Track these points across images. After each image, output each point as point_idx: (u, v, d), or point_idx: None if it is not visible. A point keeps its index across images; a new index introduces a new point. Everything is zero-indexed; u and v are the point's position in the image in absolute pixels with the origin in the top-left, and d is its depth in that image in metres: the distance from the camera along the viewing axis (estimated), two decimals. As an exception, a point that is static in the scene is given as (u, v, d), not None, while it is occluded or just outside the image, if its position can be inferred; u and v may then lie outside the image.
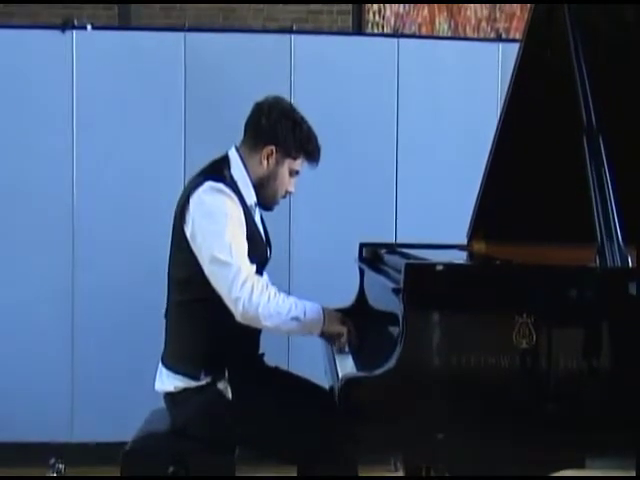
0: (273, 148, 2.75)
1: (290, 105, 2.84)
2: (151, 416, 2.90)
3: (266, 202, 2.83)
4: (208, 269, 2.60)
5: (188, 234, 2.65)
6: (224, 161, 2.77)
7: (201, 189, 2.64)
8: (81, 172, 4.29)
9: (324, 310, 2.67)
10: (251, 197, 2.76)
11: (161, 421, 2.79)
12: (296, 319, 2.59)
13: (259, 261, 2.75)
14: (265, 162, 2.76)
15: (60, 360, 4.27)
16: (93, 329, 4.27)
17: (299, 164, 2.82)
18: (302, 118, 2.80)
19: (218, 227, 2.59)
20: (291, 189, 2.85)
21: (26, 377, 4.24)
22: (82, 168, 4.29)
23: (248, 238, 2.66)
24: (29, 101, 4.28)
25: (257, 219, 2.83)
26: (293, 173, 2.82)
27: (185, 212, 2.66)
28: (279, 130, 2.74)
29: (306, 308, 2.63)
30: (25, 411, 4.19)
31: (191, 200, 2.64)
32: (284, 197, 2.88)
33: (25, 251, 4.28)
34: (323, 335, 2.71)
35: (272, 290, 2.61)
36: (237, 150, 2.80)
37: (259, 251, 2.77)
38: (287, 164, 2.78)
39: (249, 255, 2.63)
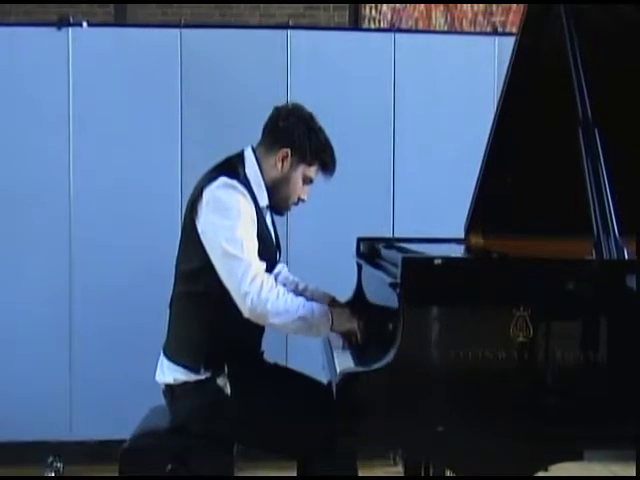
0: (288, 151, 2.75)
1: (310, 114, 2.82)
2: (150, 413, 2.90)
3: (278, 206, 2.83)
4: (218, 263, 2.60)
5: (199, 227, 2.64)
6: (239, 159, 2.77)
7: (215, 184, 2.64)
8: (77, 170, 4.29)
9: (332, 312, 2.67)
10: (263, 199, 2.75)
11: (160, 418, 2.79)
12: (303, 319, 2.59)
13: (268, 262, 2.75)
14: (280, 164, 2.76)
15: (58, 359, 4.27)
16: (91, 328, 4.27)
17: (313, 172, 2.81)
18: (320, 128, 2.80)
19: (230, 222, 2.59)
20: (304, 196, 2.84)
21: (24, 376, 4.24)
22: (78, 166, 4.29)
23: (258, 238, 2.66)
24: (25, 99, 4.27)
25: (268, 221, 2.83)
26: (307, 180, 2.81)
27: (197, 205, 2.65)
28: (296, 134, 2.74)
29: (314, 309, 2.62)
30: (23, 410, 4.19)
31: (204, 194, 2.64)
32: (296, 204, 2.87)
33: (22, 252, 4.28)
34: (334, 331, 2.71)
35: (281, 288, 2.61)
36: (253, 150, 2.79)
37: (268, 252, 2.77)
38: (301, 169, 2.78)
39: (258, 254, 2.63)
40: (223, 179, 2.64)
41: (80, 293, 4.30)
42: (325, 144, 2.79)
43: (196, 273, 2.68)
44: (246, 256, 2.57)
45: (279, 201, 2.81)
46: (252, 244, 2.61)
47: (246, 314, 2.57)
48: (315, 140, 2.76)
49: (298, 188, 2.81)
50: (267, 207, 2.79)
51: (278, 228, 2.96)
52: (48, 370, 4.25)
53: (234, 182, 2.64)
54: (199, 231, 2.64)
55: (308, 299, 2.72)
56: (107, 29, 4.62)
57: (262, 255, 2.65)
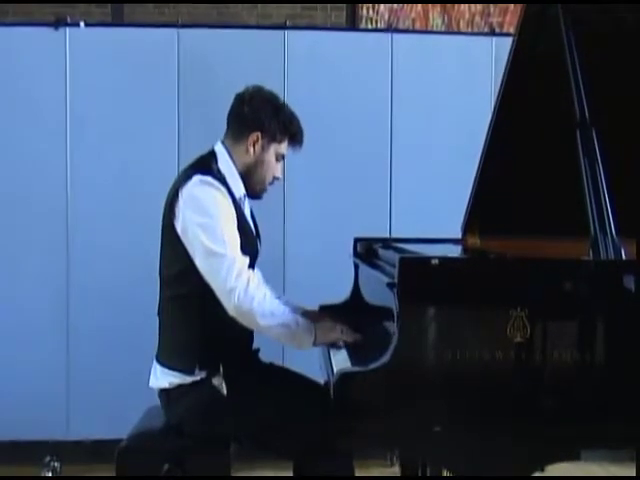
0: (258, 134, 2.76)
1: (270, 92, 2.85)
2: (146, 413, 2.90)
3: (254, 190, 2.83)
4: (202, 262, 2.59)
5: (179, 229, 2.64)
6: (211, 156, 2.78)
7: (190, 183, 2.64)
8: (75, 170, 4.29)
9: (315, 327, 2.66)
10: (239, 189, 2.76)
11: (156, 418, 2.78)
12: (287, 326, 2.59)
13: (250, 254, 2.76)
14: (252, 149, 2.77)
15: (56, 358, 4.27)
16: (88, 328, 4.27)
17: (284, 147, 2.83)
18: (283, 103, 2.83)
19: (210, 220, 2.59)
20: (278, 174, 2.86)
21: (22, 375, 4.24)
22: (75, 165, 4.29)
23: (239, 230, 2.66)
24: (22, 98, 4.27)
25: (247, 212, 2.83)
26: (279, 157, 2.83)
27: (175, 206, 2.65)
28: (263, 115, 2.75)
29: (299, 319, 2.63)
30: (21, 409, 4.18)
31: (180, 194, 2.64)
32: (271, 183, 2.88)
33: (19, 251, 4.28)
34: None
35: (267, 291, 2.61)
36: (222, 144, 2.81)
37: (250, 244, 2.77)
38: (273, 148, 2.79)
39: (241, 247, 2.63)
40: (198, 177, 2.64)
41: (77, 293, 4.30)
42: (291, 117, 2.81)
43: (179, 276, 2.68)
44: (229, 252, 2.57)
45: (255, 185, 2.82)
46: (234, 239, 2.61)
47: (231, 311, 2.56)
48: (282, 117, 2.78)
49: (272, 167, 2.82)
50: (244, 196, 2.80)
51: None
52: (45, 370, 4.25)
53: (209, 178, 2.64)
54: (178, 232, 2.64)
55: None
56: (104, 29, 4.61)
57: (244, 247, 2.65)
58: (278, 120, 2.77)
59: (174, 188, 2.69)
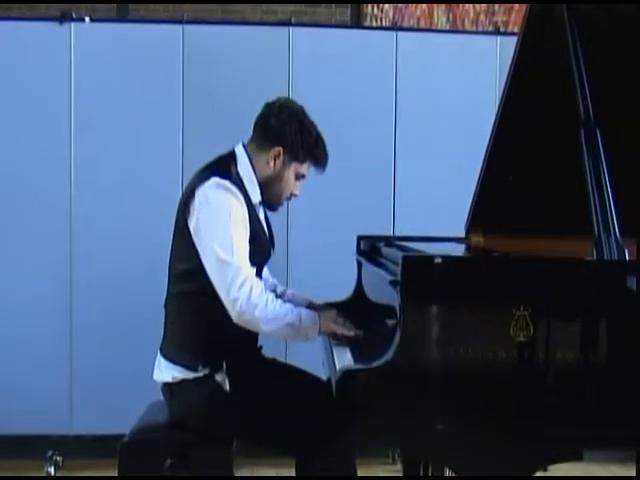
0: (281, 149, 2.74)
1: (301, 108, 2.81)
2: (149, 409, 2.91)
3: (271, 202, 2.83)
4: (208, 265, 2.60)
5: (191, 227, 2.64)
6: (231, 157, 2.77)
7: (207, 184, 2.63)
8: (79, 165, 4.30)
9: (319, 316, 2.66)
10: (256, 195, 2.75)
11: (159, 414, 2.79)
12: (291, 325, 2.59)
13: (262, 258, 2.75)
14: (272, 163, 2.76)
15: (59, 353, 4.28)
16: (92, 322, 4.28)
17: (306, 168, 2.81)
18: (312, 123, 2.79)
19: (222, 225, 2.59)
20: (296, 192, 2.85)
21: (25, 370, 4.25)
22: (79, 160, 4.30)
23: (252, 235, 2.66)
24: (27, 93, 4.28)
25: (261, 216, 2.83)
26: (299, 176, 2.81)
27: (190, 205, 2.65)
28: (288, 131, 2.73)
29: (302, 315, 2.63)
30: (24, 404, 4.20)
31: (196, 194, 2.64)
32: (289, 199, 2.88)
33: (23, 245, 4.28)
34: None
35: (270, 295, 2.61)
36: (244, 147, 2.79)
37: (262, 249, 2.77)
38: (294, 167, 2.78)
39: (252, 253, 2.63)
40: (215, 179, 2.64)
41: (80, 288, 4.31)
42: (317, 140, 2.78)
43: (190, 273, 2.68)
44: (236, 260, 2.56)
45: (272, 197, 2.81)
46: (243, 248, 2.61)
47: (234, 319, 2.57)
48: (307, 137, 2.75)
49: (290, 185, 2.81)
50: (260, 203, 2.80)
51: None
52: (48, 364, 4.26)
53: (226, 183, 2.63)
54: (191, 230, 2.65)
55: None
56: (109, 24, 4.61)
57: (256, 253, 2.66)
58: (303, 139, 2.74)
59: (190, 187, 2.68)
